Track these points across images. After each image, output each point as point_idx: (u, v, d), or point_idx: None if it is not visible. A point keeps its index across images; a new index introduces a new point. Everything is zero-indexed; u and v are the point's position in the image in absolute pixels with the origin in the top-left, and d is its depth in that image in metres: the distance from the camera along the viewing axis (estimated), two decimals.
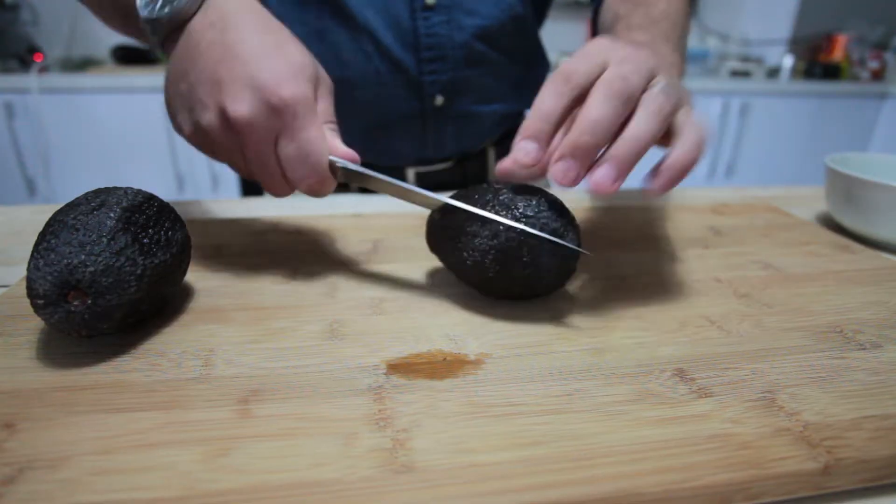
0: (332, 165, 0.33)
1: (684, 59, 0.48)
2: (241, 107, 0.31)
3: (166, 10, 0.34)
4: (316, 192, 0.34)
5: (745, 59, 2.36)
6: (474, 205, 0.31)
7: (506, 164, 0.30)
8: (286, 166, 0.33)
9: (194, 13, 0.34)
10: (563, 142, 0.28)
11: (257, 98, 0.31)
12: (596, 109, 0.28)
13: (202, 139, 0.34)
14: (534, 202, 0.30)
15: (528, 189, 0.32)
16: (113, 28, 0.44)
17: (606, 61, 0.29)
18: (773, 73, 2.28)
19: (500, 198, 0.31)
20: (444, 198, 0.33)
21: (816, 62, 2.27)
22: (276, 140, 0.32)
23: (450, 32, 0.57)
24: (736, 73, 2.24)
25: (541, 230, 0.30)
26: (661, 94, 0.29)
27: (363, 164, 0.35)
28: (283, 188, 0.34)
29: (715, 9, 2.47)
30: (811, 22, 2.32)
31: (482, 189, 0.32)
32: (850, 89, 2.20)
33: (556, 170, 0.28)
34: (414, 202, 0.34)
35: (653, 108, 0.29)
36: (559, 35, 1.96)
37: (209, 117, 0.32)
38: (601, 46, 0.30)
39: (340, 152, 0.34)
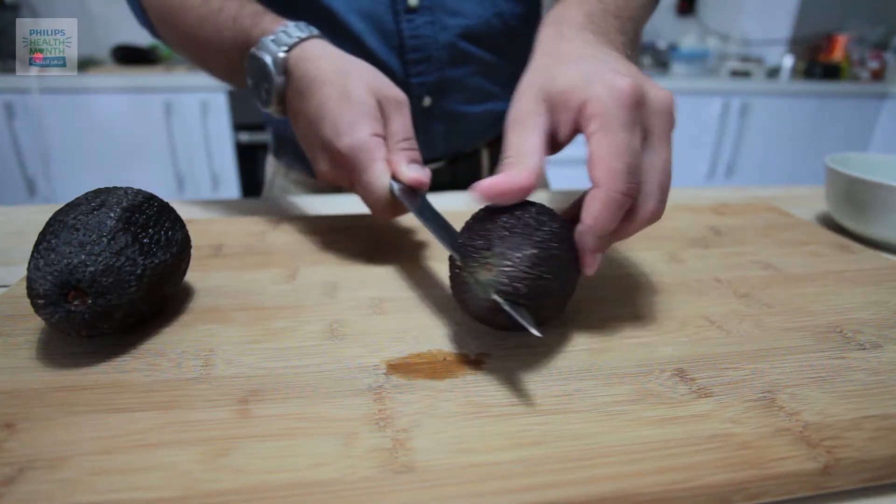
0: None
1: (637, 33, 0.44)
2: (321, 166, 0.40)
3: (269, 97, 0.41)
4: (388, 218, 0.39)
5: (745, 59, 2.36)
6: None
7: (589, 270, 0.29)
8: (363, 201, 0.39)
9: (286, 87, 0.40)
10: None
11: (327, 156, 0.39)
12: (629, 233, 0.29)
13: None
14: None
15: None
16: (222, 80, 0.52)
17: (645, 128, 0.27)
18: (773, 73, 2.28)
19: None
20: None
21: (816, 62, 2.27)
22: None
23: (434, 33, 0.57)
24: (736, 73, 2.24)
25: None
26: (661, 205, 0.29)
27: None
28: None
29: (715, 9, 2.47)
30: (811, 22, 2.32)
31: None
32: (850, 89, 2.20)
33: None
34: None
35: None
36: None
37: (317, 171, 0.41)
38: (620, 102, 0.26)
39: (406, 178, 0.36)
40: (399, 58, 0.57)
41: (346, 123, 0.37)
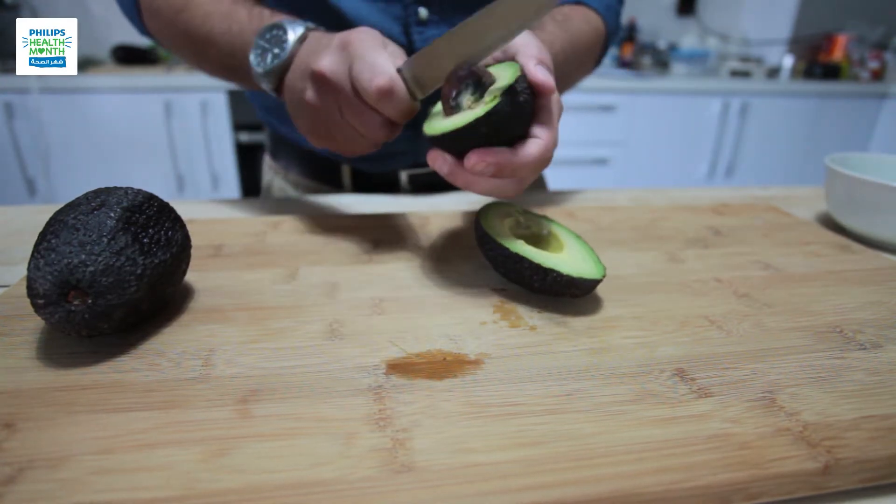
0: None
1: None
2: (308, 95, 0.39)
3: (274, 62, 0.42)
4: (389, 100, 0.37)
5: (745, 59, 2.36)
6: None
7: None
8: (357, 82, 0.36)
9: (290, 62, 0.42)
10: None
11: (318, 85, 0.38)
12: None
13: (311, 115, 0.40)
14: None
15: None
16: (214, 76, 0.53)
17: None
18: (773, 73, 2.28)
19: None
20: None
21: (816, 62, 2.27)
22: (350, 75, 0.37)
23: None
24: (736, 73, 2.24)
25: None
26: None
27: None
28: (359, 140, 0.40)
29: (715, 9, 2.47)
30: (811, 22, 2.32)
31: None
32: (850, 89, 2.20)
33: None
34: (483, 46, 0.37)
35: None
36: None
37: (308, 90, 0.39)
38: None
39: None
40: None
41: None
